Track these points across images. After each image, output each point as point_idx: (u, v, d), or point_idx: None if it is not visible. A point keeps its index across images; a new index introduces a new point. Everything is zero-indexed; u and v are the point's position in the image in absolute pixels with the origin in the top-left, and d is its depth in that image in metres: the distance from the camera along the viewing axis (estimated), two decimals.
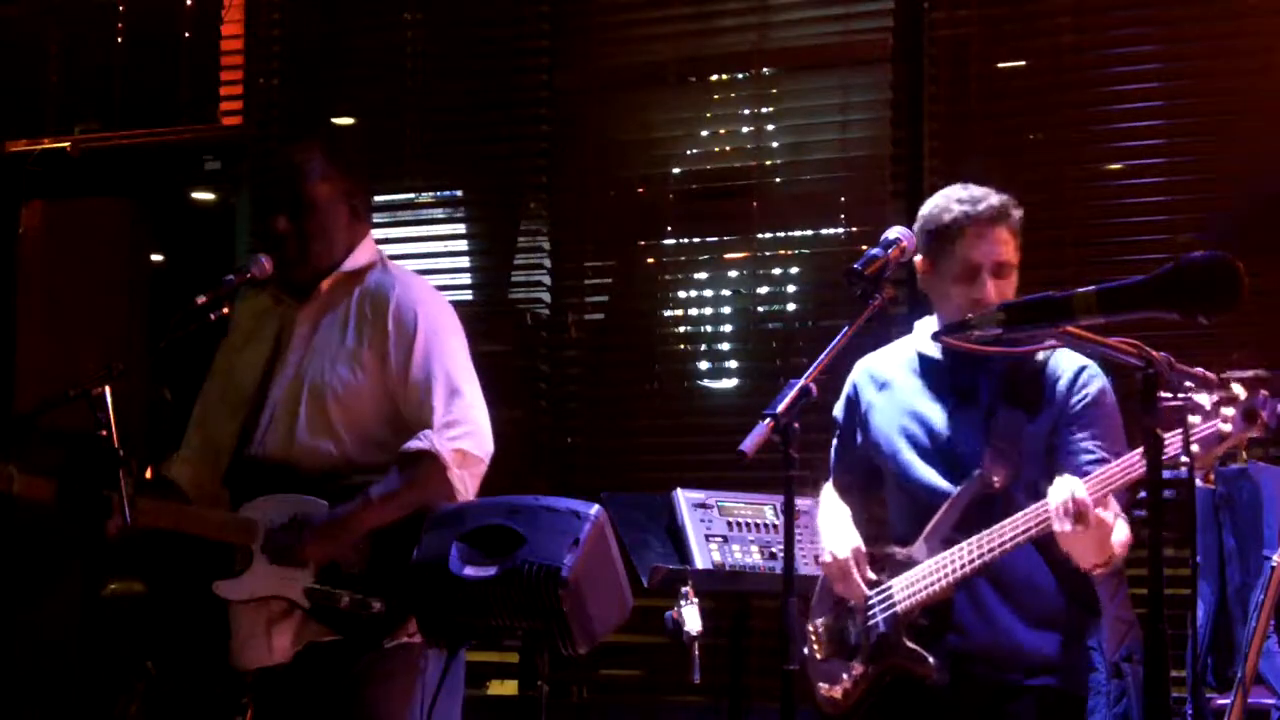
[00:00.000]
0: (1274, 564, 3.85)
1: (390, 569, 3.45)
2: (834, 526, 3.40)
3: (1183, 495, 3.14)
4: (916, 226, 3.29)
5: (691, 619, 3.78)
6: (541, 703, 3.29)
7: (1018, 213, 3.27)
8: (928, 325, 3.39)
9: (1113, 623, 4.62)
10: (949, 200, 3.26)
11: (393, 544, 3.44)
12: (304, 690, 3.54)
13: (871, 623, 3.25)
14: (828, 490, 3.53)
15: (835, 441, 3.55)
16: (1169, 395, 2.47)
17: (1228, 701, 3.90)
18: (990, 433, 3.21)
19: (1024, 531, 3.06)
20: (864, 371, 3.46)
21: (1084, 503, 2.92)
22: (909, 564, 3.22)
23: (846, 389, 3.49)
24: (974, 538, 3.11)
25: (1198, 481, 2.91)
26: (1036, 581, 3.21)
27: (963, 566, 3.12)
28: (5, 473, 3.53)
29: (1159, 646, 2.39)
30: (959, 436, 3.25)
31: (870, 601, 3.27)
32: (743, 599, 4.20)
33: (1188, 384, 2.54)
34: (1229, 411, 2.72)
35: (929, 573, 3.18)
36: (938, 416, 3.29)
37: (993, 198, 3.25)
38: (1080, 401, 3.21)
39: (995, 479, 3.17)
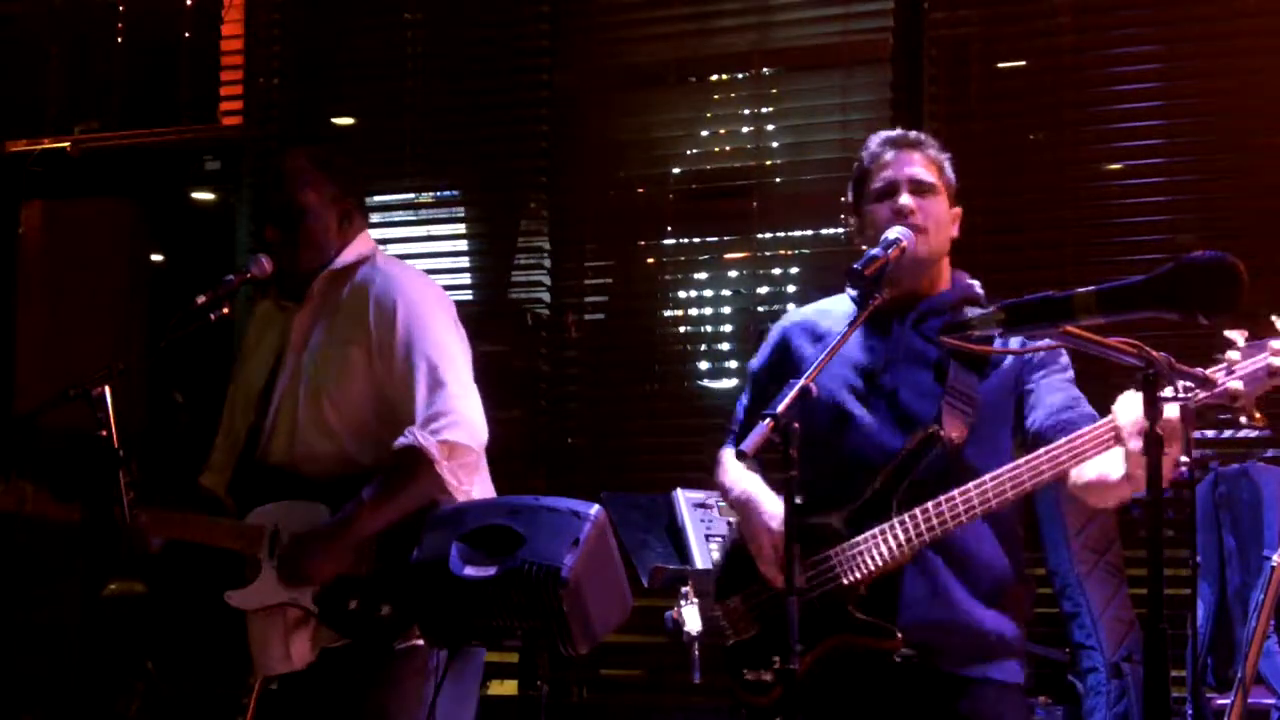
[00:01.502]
0: (1274, 564, 3.85)
1: (397, 571, 3.43)
2: (766, 502, 3.17)
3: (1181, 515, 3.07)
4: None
5: (691, 619, 3.77)
6: (541, 703, 3.29)
7: (936, 150, 3.25)
8: None
9: (1112, 623, 4.63)
10: (864, 148, 3.29)
11: (398, 546, 3.41)
12: (314, 694, 3.54)
13: (808, 597, 3.03)
14: (730, 457, 3.33)
15: (746, 399, 3.39)
16: (1169, 395, 2.47)
17: (1228, 701, 3.90)
18: (945, 390, 3.09)
19: (1051, 467, 2.89)
20: (795, 324, 3.32)
21: (1175, 423, 2.65)
22: (847, 531, 3.05)
23: (772, 339, 3.35)
24: (954, 493, 2.95)
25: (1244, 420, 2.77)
26: (985, 555, 3.08)
27: (938, 525, 2.96)
28: (19, 491, 3.52)
29: (1159, 646, 2.39)
30: (909, 392, 3.13)
31: (808, 575, 3.06)
32: None
33: (1188, 384, 2.53)
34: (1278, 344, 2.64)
35: (884, 538, 3.00)
36: (883, 371, 3.17)
37: (907, 133, 3.27)
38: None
39: (954, 434, 3.03)
